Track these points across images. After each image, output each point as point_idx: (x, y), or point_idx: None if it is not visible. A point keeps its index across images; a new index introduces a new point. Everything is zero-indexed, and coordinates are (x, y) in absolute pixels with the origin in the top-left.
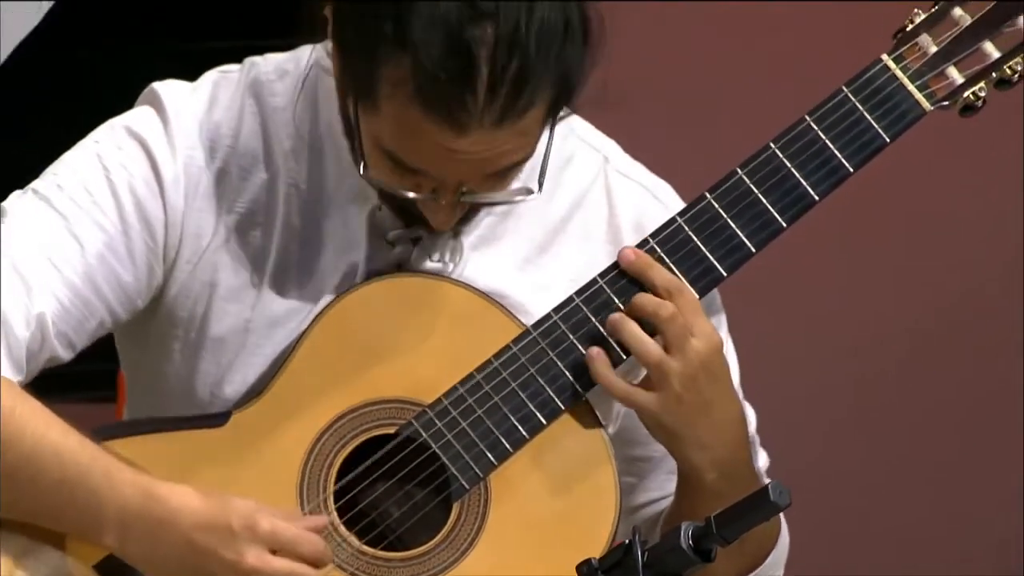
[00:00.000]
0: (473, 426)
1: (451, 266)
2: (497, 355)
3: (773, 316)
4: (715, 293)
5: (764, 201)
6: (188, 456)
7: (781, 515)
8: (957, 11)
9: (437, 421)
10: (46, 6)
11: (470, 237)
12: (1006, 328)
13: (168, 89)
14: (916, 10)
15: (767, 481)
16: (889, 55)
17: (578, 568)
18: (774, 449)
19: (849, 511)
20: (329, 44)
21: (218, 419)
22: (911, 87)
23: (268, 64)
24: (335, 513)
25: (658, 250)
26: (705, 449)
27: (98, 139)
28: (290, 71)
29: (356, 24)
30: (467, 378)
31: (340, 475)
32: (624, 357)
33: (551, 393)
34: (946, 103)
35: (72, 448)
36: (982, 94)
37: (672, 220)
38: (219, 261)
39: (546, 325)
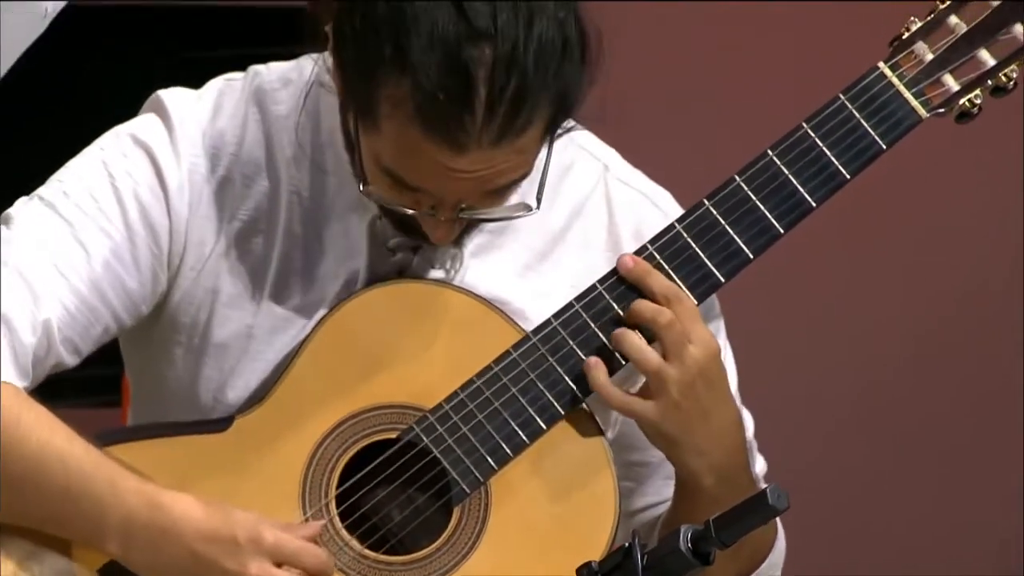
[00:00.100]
0: (474, 431)
1: (451, 273)
2: (497, 360)
3: (771, 320)
4: (713, 299)
5: (762, 208)
6: (191, 461)
7: (778, 519)
8: (953, 19)
9: (438, 426)
10: (52, 14)
11: (470, 245)
12: (1005, 330)
13: (173, 97)
14: (912, 18)
15: (764, 486)
16: (885, 63)
17: (578, 571)
18: (773, 452)
19: (848, 514)
20: (330, 56)
21: (221, 424)
22: (907, 94)
23: (271, 73)
24: (337, 517)
25: (657, 257)
26: (703, 455)
27: (103, 146)
28: (293, 80)
29: (356, 45)
30: (467, 383)
31: (342, 479)
32: (623, 363)
33: (551, 398)
34: (942, 110)
35: (77, 455)
36: (978, 101)
37: (671, 227)
38: (222, 268)
39: (546, 331)
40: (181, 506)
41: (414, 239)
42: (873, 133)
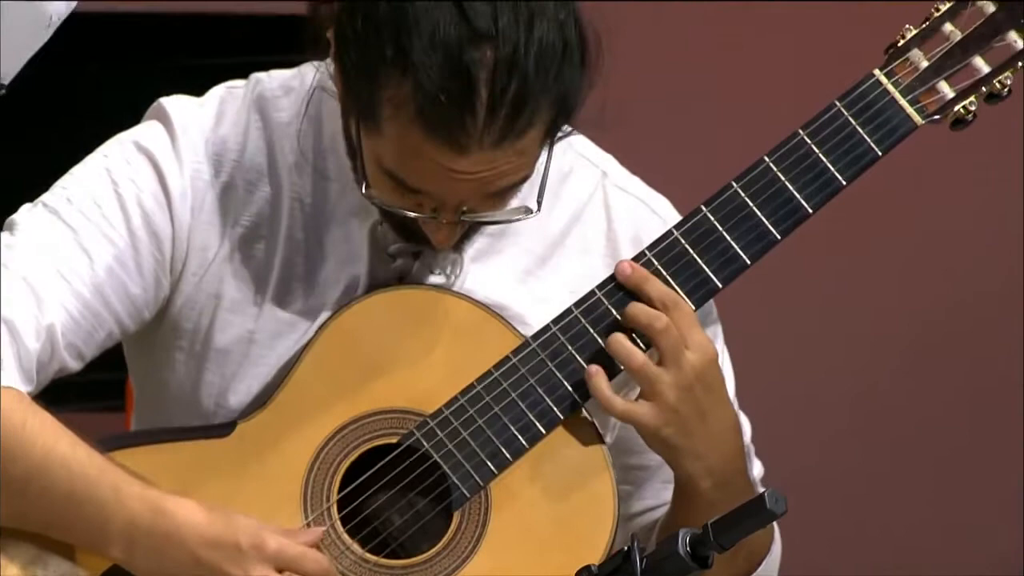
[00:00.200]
0: (474, 436)
1: (452, 279)
2: (497, 366)
3: (769, 325)
4: (711, 305)
5: (759, 214)
6: (194, 466)
7: (775, 522)
8: (948, 26)
9: (438, 431)
10: (57, 22)
11: (470, 250)
12: (1004, 333)
13: (175, 104)
14: (907, 26)
15: (761, 490)
16: (881, 70)
17: (577, 575)
18: (772, 456)
19: (846, 516)
20: (332, 64)
21: (223, 429)
22: (902, 101)
23: (273, 80)
24: (338, 521)
25: (655, 263)
26: (701, 459)
27: (107, 153)
28: (295, 88)
29: (358, 48)
30: (467, 388)
31: (343, 484)
32: (622, 368)
33: (550, 403)
34: (937, 117)
35: (81, 461)
36: (972, 108)
37: (668, 233)
38: (224, 273)
39: (545, 336)
40: (184, 512)
41: (415, 244)
42: (869, 140)
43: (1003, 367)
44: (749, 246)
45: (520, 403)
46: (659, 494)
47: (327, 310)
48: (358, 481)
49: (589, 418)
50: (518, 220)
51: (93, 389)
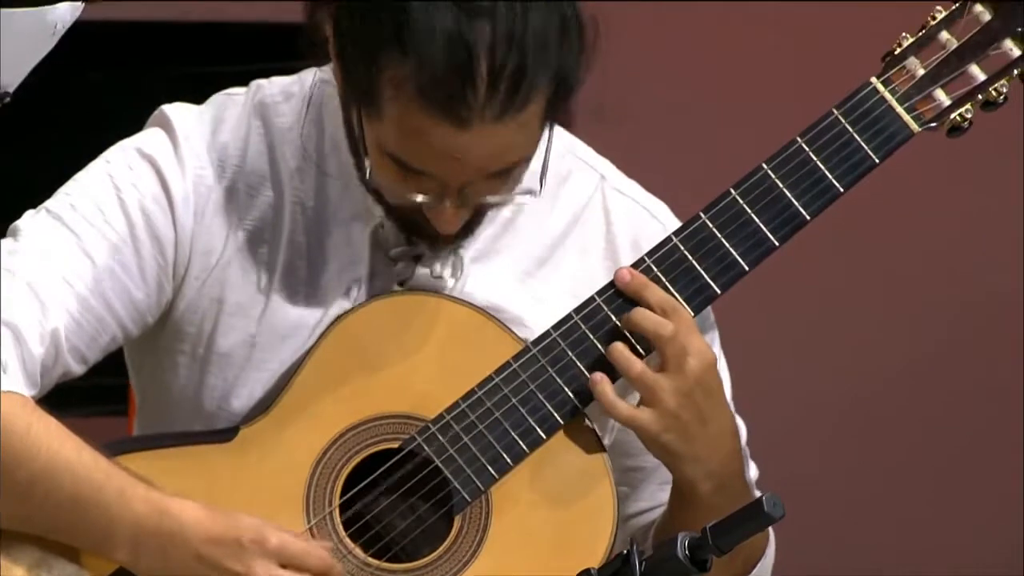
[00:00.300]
0: (475, 440)
1: (452, 280)
2: (498, 371)
3: (767, 330)
4: (708, 310)
5: (757, 221)
6: (196, 471)
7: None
8: (944, 34)
9: (440, 436)
10: (61, 31)
11: (470, 251)
12: (1003, 335)
13: (177, 111)
14: (904, 34)
15: (757, 493)
16: (878, 78)
17: None
18: (772, 458)
19: (844, 520)
20: (331, 69)
21: (226, 434)
22: (899, 109)
23: (273, 86)
24: (341, 525)
25: (654, 269)
26: (700, 462)
27: (109, 159)
28: (295, 93)
29: (356, 32)
30: (468, 394)
31: (345, 488)
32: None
33: (550, 408)
34: (933, 125)
35: (86, 465)
36: (968, 116)
37: (668, 239)
38: (227, 277)
39: (546, 342)
40: (187, 512)
41: (417, 243)
42: (866, 148)
43: (1002, 369)
44: (747, 253)
45: (521, 408)
46: (655, 496)
47: (328, 313)
48: (360, 485)
49: (589, 423)
50: (521, 202)
51: (96, 394)
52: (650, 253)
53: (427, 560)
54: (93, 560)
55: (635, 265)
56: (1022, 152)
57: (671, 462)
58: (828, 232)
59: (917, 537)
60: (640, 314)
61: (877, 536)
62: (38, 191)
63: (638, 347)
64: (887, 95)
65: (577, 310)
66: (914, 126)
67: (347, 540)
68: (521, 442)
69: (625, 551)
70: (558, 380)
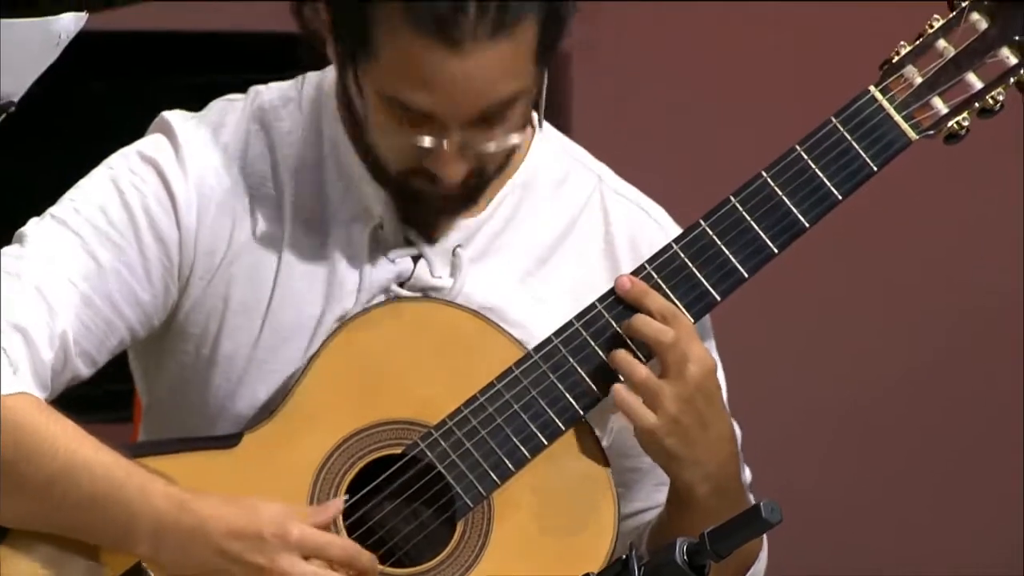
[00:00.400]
0: (477, 446)
1: (452, 281)
2: (500, 377)
3: (766, 336)
4: (706, 317)
5: (756, 228)
6: (201, 476)
7: None
8: (941, 43)
9: (442, 441)
10: (66, 40)
11: (470, 250)
12: (1002, 338)
13: (178, 116)
14: (902, 42)
15: (751, 496)
16: (876, 86)
17: None
18: (771, 459)
19: (846, 518)
20: (331, 73)
21: (230, 440)
22: (897, 117)
23: (272, 92)
24: (344, 530)
25: (655, 276)
26: (699, 465)
27: (112, 165)
28: (293, 97)
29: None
30: (471, 400)
31: (349, 493)
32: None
33: (552, 414)
34: (931, 132)
35: (105, 463)
36: (965, 123)
37: (668, 247)
38: (230, 278)
39: (547, 348)
40: (208, 506)
41: (414, 246)
42: (864, 155)
43: (1000, 375)
44: (747, 260)
45: (522, 414)
46: (651, 496)
47: (328, 314)
48: (364, 491)
49: (590, 428)
50: (520, 141)
51: (100, 400)
52: (650, 260)
53: (430, 565)
54: (109, 556)
55: (636, 272)
56: (1020, 159)
57: (671, 466)
58: (827, 239)
59: (917, 540)
60: (641, 321)
61: (877, 538)
62: (42, 199)
63: (639, 353)
64: (885, 103)
65: (578, 317)
66: (912, 134)
67: None
68: (523, 448)
69: (624, 556)
70: (559, 386)
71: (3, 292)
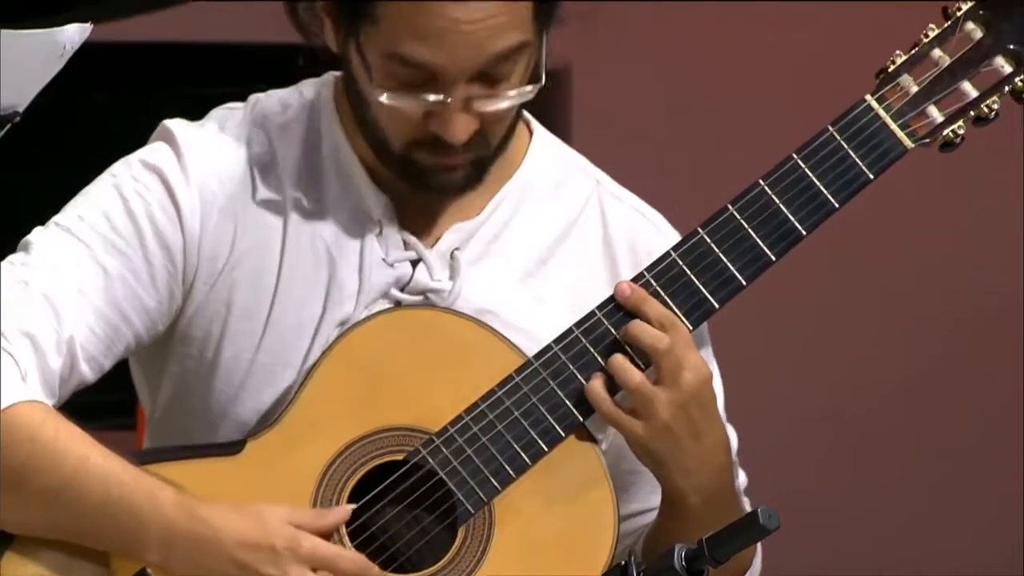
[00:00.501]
0: (478, 453)
1: (451, 283)
2: (500, 384)
3: (764, 341)
4: (703, 325)
5: (754, 236)
6: (205, 483)
7: None
8: (936, 52)
9: (443, 448)
10: (70, 52)
11: (467, 253)
12: (1001, 341)
13: (179, 124)
14: (897, 51)
15: (745, 499)
16: (872, 95)
17: None
18: (771, 460)
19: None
20: (328, 79)
21: (233, 447)
22: (893, 126)
23: (271, 99)
24: (347, 536)
25: (653, 284)
26: (690, 475)
27: (115, 172)
28: (292, 104)
29: None
30: (472, 407)
31: (351, 500)
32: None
33: (552, 421)
34: (927, 141)
35: (115, 470)
36: (961, 132)
37: (667, 254)
38: (233, 282)
39: (547, 356)
40: (219, 515)
41: (412, 249)
42: (861, 164)
43: (998, 380)
44: (745, 268)
45: (523, 421)
46: (648, 498)
47: (328, 317)
48: (366, 498)
49: (590, 435)
50: (525, 96)
51: (104, 408)
52: (649, 268)
53: (431, 571)
54: (118, 562)
55: (635, 280)
56: (1019, 166)
57: (660, 472)
58: (824, 246)
59: (916, 541)
60: (638, 327)
61: (877, 539)
62: (46, 210)
63: (637, 360)
64: (881, 112)
65: (578, 324)
66: (908, 142)
67: (353, 550)
68: (523, 454)
69: (623, 562)
70: (559, 393)
71: (11, 299)
